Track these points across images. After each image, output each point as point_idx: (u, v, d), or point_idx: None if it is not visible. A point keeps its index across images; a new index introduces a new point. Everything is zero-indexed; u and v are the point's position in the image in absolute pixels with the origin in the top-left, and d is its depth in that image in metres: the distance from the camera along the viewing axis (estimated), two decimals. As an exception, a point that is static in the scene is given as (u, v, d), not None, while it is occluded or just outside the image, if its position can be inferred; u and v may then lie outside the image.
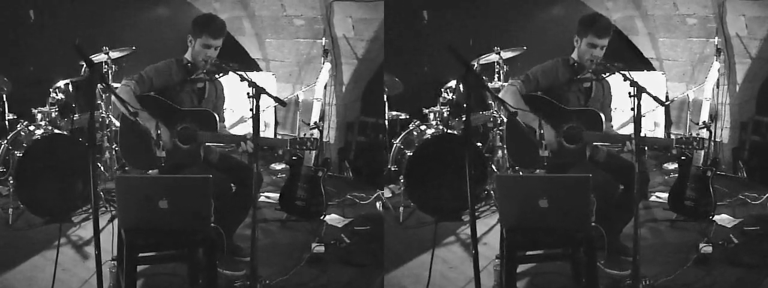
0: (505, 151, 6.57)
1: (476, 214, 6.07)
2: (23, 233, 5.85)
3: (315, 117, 6.14)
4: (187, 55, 5.31)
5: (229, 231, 5.17)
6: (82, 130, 6.49)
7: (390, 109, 7.05)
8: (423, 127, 6.61)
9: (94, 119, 3.81)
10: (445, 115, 6.67)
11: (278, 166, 7.40)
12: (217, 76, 5.32)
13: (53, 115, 6.25)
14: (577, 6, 8.13)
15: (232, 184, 5.29)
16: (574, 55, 5.33)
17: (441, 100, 6.84)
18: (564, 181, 4.59)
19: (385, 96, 6.89)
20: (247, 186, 5.22)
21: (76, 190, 6.03)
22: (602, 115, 5.22)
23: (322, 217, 6.03)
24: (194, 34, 5.25)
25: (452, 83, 6.86)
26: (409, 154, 6.33)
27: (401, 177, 6.31)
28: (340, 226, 6.11)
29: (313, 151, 5.83)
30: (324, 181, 6.00)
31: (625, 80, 4.62)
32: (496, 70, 7.07)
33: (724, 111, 7.37)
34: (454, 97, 6.80)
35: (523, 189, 4.50)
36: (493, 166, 6.82)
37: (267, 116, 6.47)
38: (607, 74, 5.33)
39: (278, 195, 6.14)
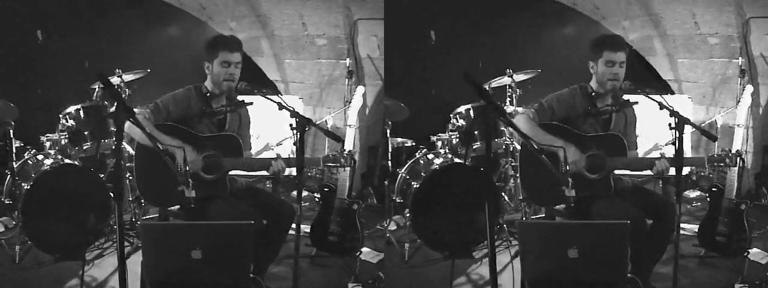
0: (519, 182, 5.76)
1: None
2: (31, 273, 4.89)
3: (349, 145, 5.22)
4: (207, 83, 4.48)
5: (260, 272, 4.33)
6: (93, 159, 5.60)
7: (394, 136, 6.17)
8: (430, 156, 5.68)
9: (122, 168, 2.83)
10: (454, 142, 5.75)
11: (304, 193, 6.35)
12: (241, 106, 4.54)
13: (63, 142, 5.38)
14: (589, 26, 7.38)
15: (263, 220, 4.37)
16: (593, 83, 4.53)
17: (450, 126, 5.88)
18: (598, 228, 3.74)
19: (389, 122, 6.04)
20: (281, 221, 4.40)
21: (88, 224, 5.08)
22: (625, 140, 4.42)
23: (357, 254, 5.09)
24: (209, 57, 4.43)
25: (462, 109, 5.88)
26: (415, 185, 5.40)
27: (406, 210, 5.39)
28: (374, 261, 5.20)
29: (347, 182, 5.02)
30: (359, 214, 5.08)
31: (661, 109, 3.97)
32: (509, 93, 6.16)
33: (746, 135, 6.47)
34: (464, 123, 5.81)
35: (550, 237, 3.67)
36: (505, 197, 5.96)
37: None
38: (631, 104, 4.52)
39: (308, 228, 5.22)
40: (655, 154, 5.44)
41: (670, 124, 3.81)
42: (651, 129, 4.51)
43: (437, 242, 5.33)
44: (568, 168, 4.09)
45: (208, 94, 4.44)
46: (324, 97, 7.09)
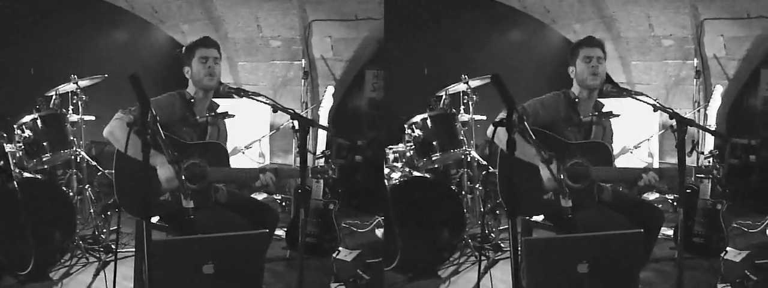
0: (478, 194, 5.68)
1: (455, 268, 5.25)
2: (-3, 298, 4.72)
3: (322, 146, 5.17)
4: (189, 90, 4.42)
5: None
6: (53, 171, 5.43)
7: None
8: (386, 171, 5.53)
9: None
10: (409, 154, 5.54)
11: (259, 197, 6.26)
12: (223, 117, 4.49)
13: (18, 154, 5.11)
14: (539, 29, 7.38)
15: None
16: (575, 89, 4.49)
17: (406, 137, 5.60)
18: (611, 239, 3.66)
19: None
20: (265, 227, 4.23)
21: (54, 241, 4.89)
22: (611, 148, 4.39)
23: (335, 254, 5.07)
24: (187, 59, 4.38)
25: (418, 118, 5.57)
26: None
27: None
28: (349, 259, 5.10)
29: (322, 183, 5.08)
30: (336, 214, 5.09)
31: (655, 111, 3.93)
32: (464, 100, 5.85)
33: (700, 135, 6.64)
34: (420, 133, 5.54)
35: (558, 253, 3.56)
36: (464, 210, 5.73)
37: (263, 146, 5.72)
38: (612, 116, 4.51)
39: (283, 231, 5.23)
40: (626, 158, 5.54)
41: (672, 127, 3.74)
42: (617, 132, 4.52)
43: (399, 262, 5.15)
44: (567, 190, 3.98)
45: (192, 101, 4.36)
46: (278, 98, 6.86)
